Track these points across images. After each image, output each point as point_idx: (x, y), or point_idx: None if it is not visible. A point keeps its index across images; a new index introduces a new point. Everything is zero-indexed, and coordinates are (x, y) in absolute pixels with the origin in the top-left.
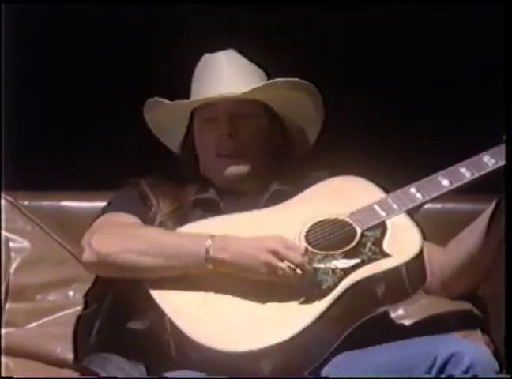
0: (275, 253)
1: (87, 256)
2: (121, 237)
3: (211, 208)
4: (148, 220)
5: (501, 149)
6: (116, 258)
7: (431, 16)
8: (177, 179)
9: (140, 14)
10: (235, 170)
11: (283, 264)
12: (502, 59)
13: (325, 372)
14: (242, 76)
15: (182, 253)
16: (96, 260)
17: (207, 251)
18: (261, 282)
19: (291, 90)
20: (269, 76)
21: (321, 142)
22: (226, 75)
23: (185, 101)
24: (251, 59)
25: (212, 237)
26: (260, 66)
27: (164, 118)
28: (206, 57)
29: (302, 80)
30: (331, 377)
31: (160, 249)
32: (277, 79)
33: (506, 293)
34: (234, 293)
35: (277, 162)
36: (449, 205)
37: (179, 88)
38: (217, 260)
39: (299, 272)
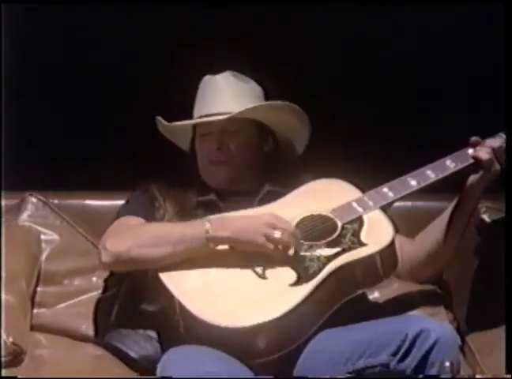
0: (270, 224)
1: (104, 258)
2: (131, 235)
3: (212, 209)
4: (155, 221)
5: (461, 154)
6: (129, 254)
7: (430, 17)
8: (181, 184)
9: (149, 17)
10: (223, 174)
11: (277, 233)
12: (502, 59)
13: (310, 347)
14: (236, 96)
15: (186, 238)
16: (112, 260)
17: (207, 231)
18: (256, 267)
19: (274, 110)
20: (266, 92)
21: (308, 150)
22: (222, 96)
23: (183, 122)
24: (250, 77)
25: (209, 219)
26: (258, 82)
27: (173, 131)
28: (207, 78)
29: (282, 102)
30: (314, 351)
31: (166, 238)
32: (257, 104)
33: (506, 293)
34: (234, 277)
35: (268, 166)
36: (418, 203)
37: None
38: (217, 238)
39: (291, 238)
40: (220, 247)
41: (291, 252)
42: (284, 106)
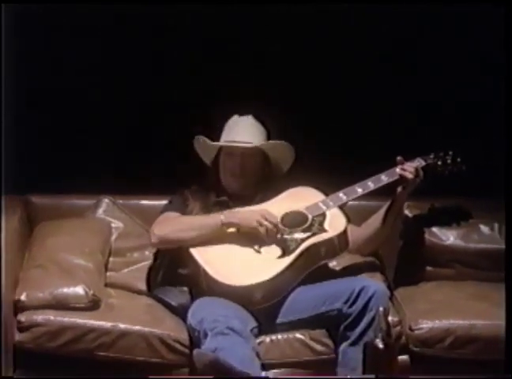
0: (262, 215)
1: (153, 240)
2: (171, 224)
3: (224, 207)
4: (187, 214)
5: (391, 171)
6: (170, 237)
7: (431, 17)
8: (206, 189)
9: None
10: (238, 184)
11: (266, 222)
12: (502, 59)
13: (290, 298)
14: (252, 132)
15: (208, 224)
16: (158, 241)
17: (221, 219)
18: (255, 245)
19: (277, 146)
20: (268, 132)
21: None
22: (245, 130)
23: (218, 143)
24: (260, 121)
25: (222, 212)
26: (264, 125)
27: (205, 148)
28: (235, 117)
29: (281, 142)
30: (293, 300)
31: (194, 225)
32: (268, 142)
33: (507, 292)
34: (239, 252)
35: (265, 181)
36: (363, 202)
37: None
38: (228, 223)
39: (274, 226)
40: (230, 232)
41: (278, 236)
42: (283, 145)
